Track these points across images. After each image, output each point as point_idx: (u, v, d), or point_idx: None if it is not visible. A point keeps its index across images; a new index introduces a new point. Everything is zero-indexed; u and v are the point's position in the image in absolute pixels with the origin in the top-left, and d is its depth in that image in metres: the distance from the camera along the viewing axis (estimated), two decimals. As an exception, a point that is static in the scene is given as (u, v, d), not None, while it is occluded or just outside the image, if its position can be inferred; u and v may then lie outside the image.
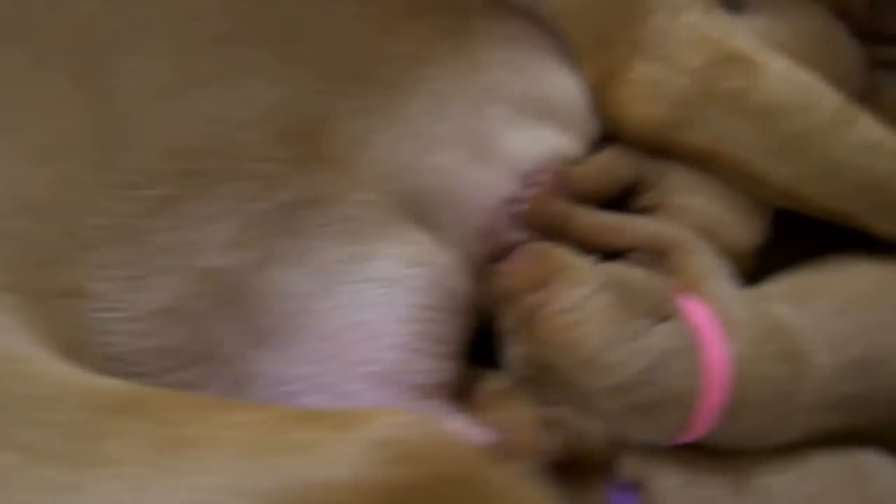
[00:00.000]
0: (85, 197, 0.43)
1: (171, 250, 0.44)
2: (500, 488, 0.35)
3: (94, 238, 0.43)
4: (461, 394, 0.50)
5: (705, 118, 0.56)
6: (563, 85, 0.56)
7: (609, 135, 0.60)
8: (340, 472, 0.33)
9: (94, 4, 0.44)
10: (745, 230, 0.59)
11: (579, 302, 0.50)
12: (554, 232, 0.54)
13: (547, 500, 0.38)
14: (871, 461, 0.53)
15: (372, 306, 0.47)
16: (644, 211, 0.59)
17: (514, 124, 0.53)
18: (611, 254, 0.55)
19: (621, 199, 0.59)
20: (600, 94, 0.57)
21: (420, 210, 0.50)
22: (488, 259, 0.52)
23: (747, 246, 0.59)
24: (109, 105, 0.44)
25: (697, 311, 0.52)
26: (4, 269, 0.41)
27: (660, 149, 0.58)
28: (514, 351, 0.51)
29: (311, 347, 0.46)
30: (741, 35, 0.57)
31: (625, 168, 0.58)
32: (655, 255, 0.54)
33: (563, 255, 0.53)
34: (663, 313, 0.50)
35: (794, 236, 0.61)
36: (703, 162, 0.57)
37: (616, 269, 0.53)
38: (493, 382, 0.52)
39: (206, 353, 0.45)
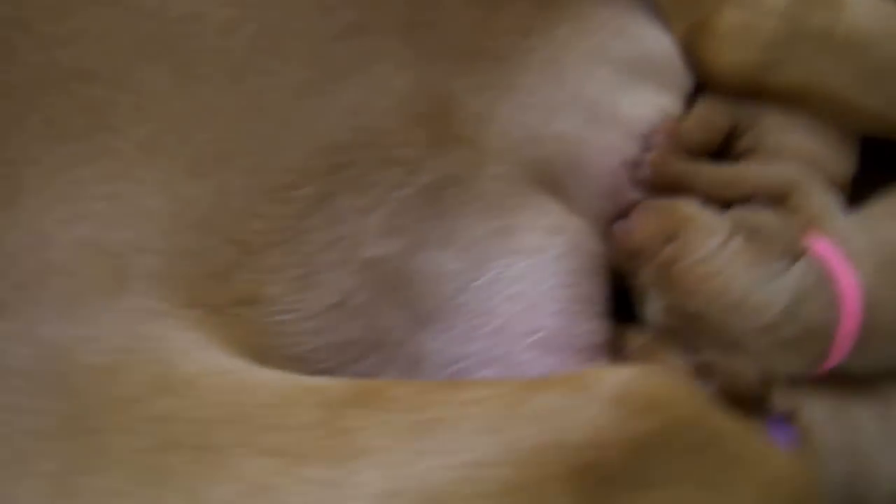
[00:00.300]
0: (245, 204, 0.43)
1: (331, 246, 0.45)
2: (733, 430, 0.36)
3: (260, 243, 0.44)
4: (610, 352, 0.52)
5: (796, 57, 0.57)
6: (658, 42, 0.57)
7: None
8: (586, 431, 0.34)
9: (230, 10, 0.44)
10: (841, 161, 0.60)
11: (716, 250, 0.51)
12: (678, 190, 0.55)
13: (770, 442, 0.39)
14: None
15: (524, 277, 0.48)
16: (743, 155, 0.60)
17: (621, 86, 0.54)
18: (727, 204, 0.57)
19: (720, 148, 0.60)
20: (690, 46, 0.58)
21: (549, 178, 0.51)
22: (613, 219, 0.54)
23: (844, 176, 0.60)
24: (257, 109, 0.44)
25: (823, 247, 0.53)
26: (184, 285, 0.42)
27: (752, 92, 0.59)
28: (654, 304, 0.53)
29: (475, 323, 0.47)
30: (818, -29, 0.58)
31: (722, 116, 0.59)
32: (775, 199, 0.55)
33: (688, 207, 0.54)
34: (795, 252, 0.52)
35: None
36: (796, 100, 0.59)
37: (742, 214, 0.54)
38: (637, 338, 0.53)
39: (377, 341, 0.46)
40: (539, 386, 0.35)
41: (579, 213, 0.52)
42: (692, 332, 0.52)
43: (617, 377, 0.35)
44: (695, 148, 0.58)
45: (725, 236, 0.52)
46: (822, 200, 0.55)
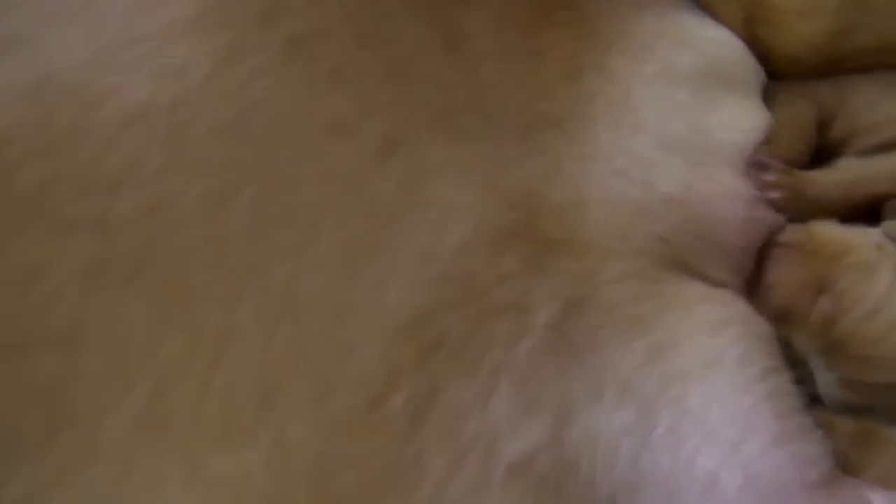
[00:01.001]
0: (320, 452, 0.28)
1: (460, 465, 0.30)
2: None
3: (373, 497, 0.29)
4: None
5: (870, 14, 0.47)
6: (720, 41, 0.45)
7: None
8: None
9: (208, 179, 0.29)
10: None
11: (884, 294, 0.39)
12: (807, 211, 0.42)
13: None
14: None
15: (710, 405, 0.34)
16: (840, 143, 0.49)
17: (705, 107, 0.42)
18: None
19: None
20: (752, 32, 0.46)
21: (678, 256, 0.38)
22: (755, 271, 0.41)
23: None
24: (294, 311, 0.29)
25: None
26: None
27: (831, 65, 0.48)
28: (823, 377, 0.39)
29: (674, 490, 0.33)
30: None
31: (810, 110, 0.48)
32: None
33: (830, 234, 0.41)
34: None
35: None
36: (877, 61, 0.48)
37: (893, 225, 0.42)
38: (844, 423, 0.40)
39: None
40: None
41: (731, 287, 0.38)
42: (885, 405, 0.39)
43: None
44: (797, 157, 0.47)
45: (892, 267, 0.40)
46: None
